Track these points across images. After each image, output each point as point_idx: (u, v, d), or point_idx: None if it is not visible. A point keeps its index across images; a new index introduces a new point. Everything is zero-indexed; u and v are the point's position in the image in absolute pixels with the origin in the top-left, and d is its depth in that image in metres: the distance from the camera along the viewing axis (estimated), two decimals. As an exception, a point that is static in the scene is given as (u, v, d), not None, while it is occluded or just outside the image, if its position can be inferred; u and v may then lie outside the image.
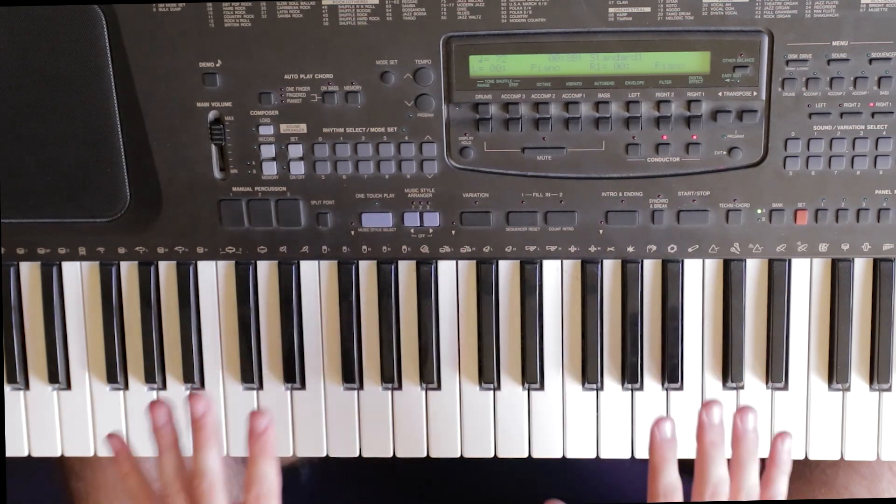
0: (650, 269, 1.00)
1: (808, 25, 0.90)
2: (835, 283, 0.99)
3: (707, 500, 0.86)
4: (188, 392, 0.96)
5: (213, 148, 0.98)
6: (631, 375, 1.02)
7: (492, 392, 1.04)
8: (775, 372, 1.00)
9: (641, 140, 0.95)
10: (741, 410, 0.89)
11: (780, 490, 0.89)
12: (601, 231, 0.98)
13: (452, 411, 1.04)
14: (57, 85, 0.95)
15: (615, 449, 1.03)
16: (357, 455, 1.05)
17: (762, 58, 0.91)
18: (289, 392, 1.05)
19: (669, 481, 0.87)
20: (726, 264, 1.00)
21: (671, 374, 1.01)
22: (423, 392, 1.04)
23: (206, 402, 0.90)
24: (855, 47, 0.91)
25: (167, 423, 0.91)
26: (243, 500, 0.88)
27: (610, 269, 1.01)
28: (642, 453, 1.02)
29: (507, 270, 1.01)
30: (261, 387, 1.05)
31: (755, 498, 0.87)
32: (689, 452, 1.02)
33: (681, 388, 1.02)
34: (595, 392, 1.03)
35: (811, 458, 1.02)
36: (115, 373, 1.05)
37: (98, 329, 1.05)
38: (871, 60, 0.91)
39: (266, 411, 0.91)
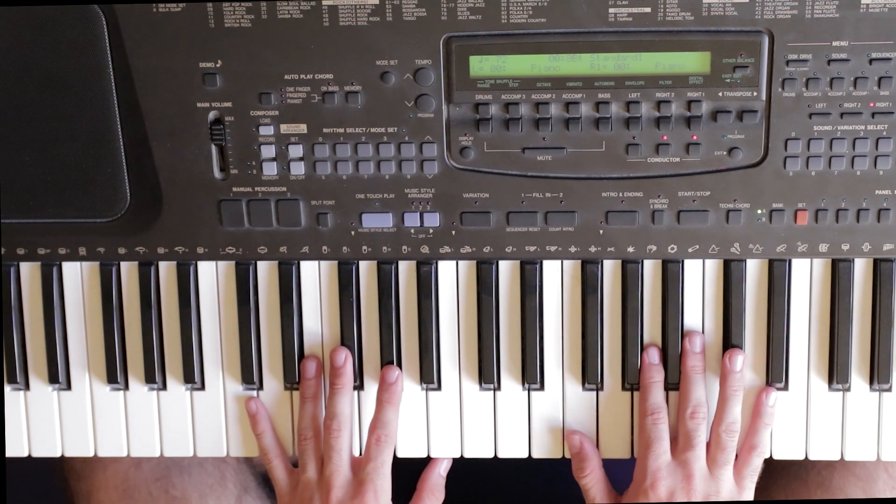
0: (650, 270, 1.00)
1: (809, 25, 0.90)
2: (835, 284, 0.99)
3: (687, 419, 0.97)
4: (333, 349, 1.03)
5: (214, 148, 0.98)
6: (631, 376, 1.02)
7: (492, 392, 1.04)
8: (775, 372, 1.00)
9: (641, 140, 0.95)
10: (730, 351, 0.99)
11: (762, 441, 0.99)
12: (601, 231, 0.98)
13: (452, 411, 1.04)
14: (57, 85, 0.95)
15: (615, 449, 1.03)
16: (358, 455, 1.05)
17: (762, 58, 0.91)
18: (289, 392, 1.05)
19: (656, 401, 0.99)
20: (726, 264, 0.99)
21: (671, 373, 1.01)
22: (424, 392, 1.04)
23: (347, 354, 1.02)
24: (855, 47, 0.91)
25: (315, 377, 1.03)
26: (367, 440, 1.01)
27: (610, 270, 1.01)
28: (642, 453, 1.03)
29: (508, 271, 1.01)
30: (261, 387, 1.05)
31: (735, 432, 0.98)
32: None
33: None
34: (595, 392, 1.03)
35: (811, 458, 1.01)
36: (115, 373, 1.05)
37: (98, 329, 1.05)
38: (871, 61, 0.91)
39: (395, 368, 1.02)
